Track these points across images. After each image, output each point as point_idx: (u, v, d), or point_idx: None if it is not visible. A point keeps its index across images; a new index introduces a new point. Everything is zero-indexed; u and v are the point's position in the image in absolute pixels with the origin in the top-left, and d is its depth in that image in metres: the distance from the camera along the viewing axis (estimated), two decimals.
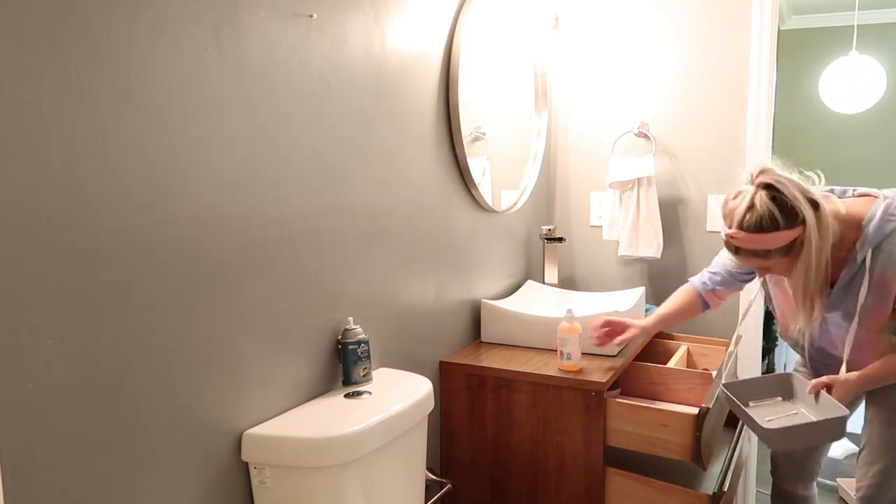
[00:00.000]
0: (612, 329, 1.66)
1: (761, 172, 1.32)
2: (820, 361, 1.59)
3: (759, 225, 1.30)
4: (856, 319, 1.39)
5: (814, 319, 1.42)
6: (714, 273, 1.70)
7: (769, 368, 3.93)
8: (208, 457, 1.07)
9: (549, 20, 2.34)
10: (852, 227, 1.35)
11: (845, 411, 1.34)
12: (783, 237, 1.30)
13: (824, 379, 1.43)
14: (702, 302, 1.72)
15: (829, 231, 1.31)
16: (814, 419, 1.41)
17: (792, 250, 1.32)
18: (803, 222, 1.29)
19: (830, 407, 1.38)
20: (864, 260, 1.34)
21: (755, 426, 1.39)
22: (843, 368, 1.43)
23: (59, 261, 0.83)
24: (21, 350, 0.80)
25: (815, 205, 1.30)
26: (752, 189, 1.32)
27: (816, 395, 1.43)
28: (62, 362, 0.84)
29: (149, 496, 0.97)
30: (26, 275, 0.80)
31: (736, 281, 1.67)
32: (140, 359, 0.94)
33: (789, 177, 1.32)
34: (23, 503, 0.81)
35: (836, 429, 1.36)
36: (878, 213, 1.33)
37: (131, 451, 0.94)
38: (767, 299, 1.66)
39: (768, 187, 1.30)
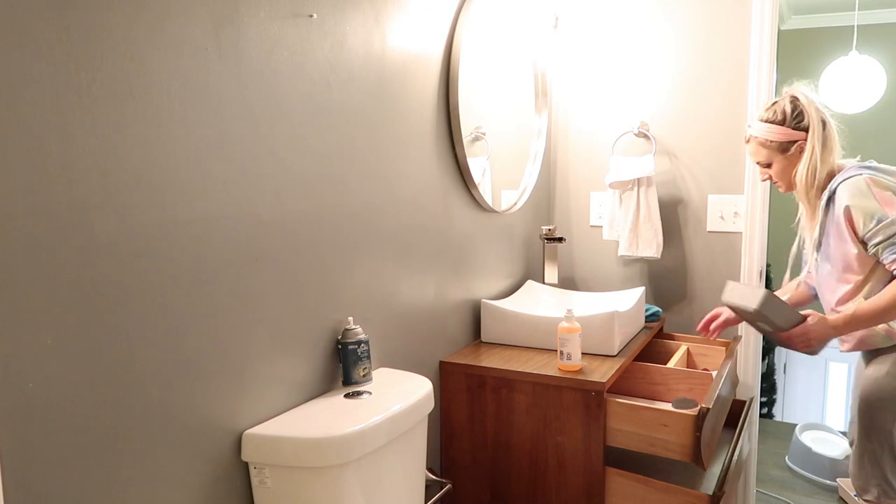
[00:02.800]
0: (714, 318, 1.87)
1: (794, 88, 1.60)
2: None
3: (770, 116, 1.61)
4: (828, 258, 1.58)
5: (811, 260, 1.65)
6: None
7: (769, 368, 3.93)
8: (208, 457, 1.07)
9: (549, 20, 2.34)
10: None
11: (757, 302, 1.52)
12: (785, 133, 1.58)
13: (809, 311, 1.57)
14: (806, 287, 1.85)
15: (831, 152, 1.56)
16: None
17: (789, 151, 1.59)
18: (806, 129, 1.56)
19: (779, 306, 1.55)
20: (821, 205, 1.56)
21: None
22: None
23: (59, 261, 0.83)
24: (21, 350, 0.80)
25: (823, 123, 1.55)
26: (782, 97, 1.62)
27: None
28: (62, 362, 0.84)
29: (148, 496, 0.97)
30: (26, 275, 0.80)
31: None
32: (140, 358, 0.94)
33: (815, 98, 1.58)
34: (23, 503, 0.81)
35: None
36: (845, 168, 1.55)
37: (131, 450, 0.94)
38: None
39: (793, 97, 1.59)
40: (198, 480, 1.05)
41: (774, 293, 1.57)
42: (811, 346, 1.56)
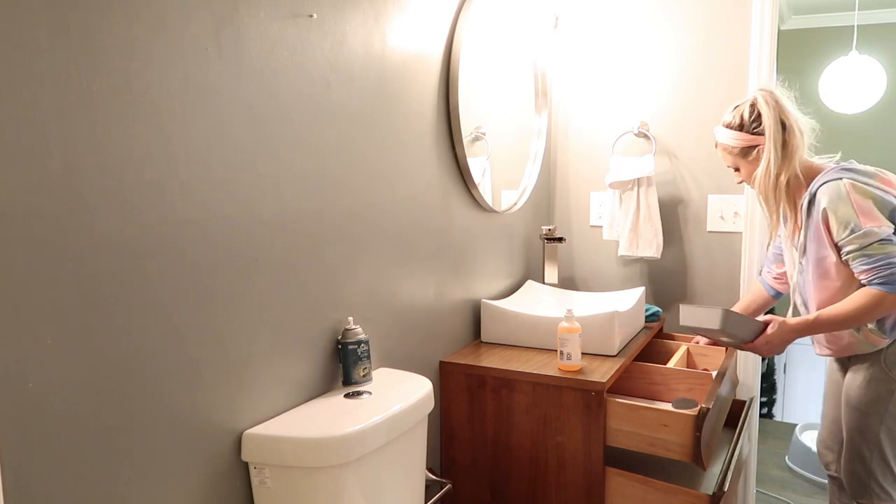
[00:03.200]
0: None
1: (761, 90, 1.59)
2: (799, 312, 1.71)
3: (729, 122, 1.62)
4: (809, 261, 1.57)
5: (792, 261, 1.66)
6: (768, 259, 1.89)
7: (769, 368, 3.93)
8: (208, 457, 1.07)
9: (549, 20, 2.34)
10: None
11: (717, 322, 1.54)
12: (744, 138, 1.59)
13: (769, 317, 1.61)
14: (765, 287, 1.87)
15: (792, 155, 1.54)
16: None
17: (750, 156, 1.60)
18: (763, 133, 1.55)
19: (742, 322, 1.59)
20: (803, 207, 1.55)
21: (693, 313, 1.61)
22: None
23: (59, 261, 0.83)
24: (21, 350, 0.80)
25: (783, 125, 1.54)
26: (745, 100, 1.62)
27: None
28: (62, 362, 0.84)
29: (148, 496, 0.97)
30: (26, 275, 0.80)
31: (782, 255, 1.79)
32: (140, 359, 0.94)
33: (781, 101, 1.56)
34: (23, 503, 0.81)
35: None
36: (825, 170, 1.53)
37: (131, 450, 0.94)
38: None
39: (753, 100, 1.59)
40: (198, 480, 1.05)
41: (730, 309, 1.58)
42: (774, 350, 1.60)
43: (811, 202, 1.52)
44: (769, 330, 1.57)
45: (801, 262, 1.62)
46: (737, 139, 1.60)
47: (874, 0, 3.61)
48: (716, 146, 1.69)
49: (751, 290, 1.94)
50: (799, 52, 4.00)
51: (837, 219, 1.46)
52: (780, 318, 1.57)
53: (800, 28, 4.02)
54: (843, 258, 1.48)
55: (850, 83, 3.14)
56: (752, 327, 1.58)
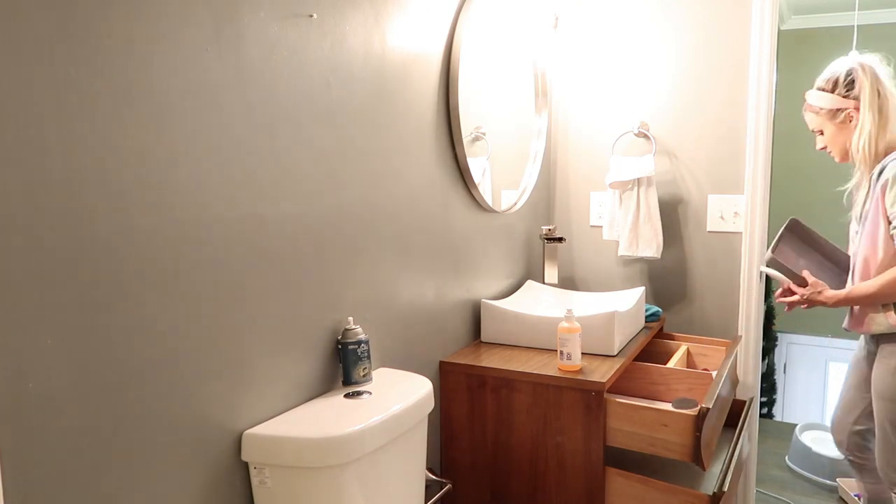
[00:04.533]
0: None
1: (859, 62, 1.63)
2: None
3: (822, 84, 1.67)
4: (865, 230, 1.60)
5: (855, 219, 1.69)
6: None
7: (769, 369, 3.93)
8: (208, 457, 1.07)
9: (549, 20, 2.34)
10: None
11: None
12: (833, 100, 1.63)
13: (811, 279, 1.67)
14: None
15: (887, 122, 1.58)
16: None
17: (837, 119, 1.63)
18: (857, 98, 1.60)
19: None
20: (874, 176, 1.58)
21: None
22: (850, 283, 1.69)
23: (59, 261, 0.83)
24: (21, 350, 0.80)
25: (879, 94, 1.59)
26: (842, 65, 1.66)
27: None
28: (62, 362, 0.84)
29: (148, 496, 0.97)
30: (26, 275, 0.80)
31: None
32: (140, 359, 0.94)
33: (877, 69, 1.60)
34: (23, 503, 0.81)
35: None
36: None
37: (131, 450, 0.94)
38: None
39: (850, 66, 1.63)
40: (198, 480, 1.05)
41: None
42: (807, 302, 1.67)
43: (880, 173, 1.56)
44: (809, 285, 1.64)
45: (858, 230, 1.67)
46: (826, 100, 1.64)
47: (874, 0, 3.61)
48: (805, 110, 1.73)
49: None
50: (799, 52, 4.00)
51: (894, 191, 1.50)
52: (822, 285, 1.65)
53: (800, 28, 4.02)
54: (891, 231, 1.52)
55: None
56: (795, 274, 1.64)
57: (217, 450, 1.09)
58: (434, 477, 1.53)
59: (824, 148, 1.71)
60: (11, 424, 0.79)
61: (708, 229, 2.24)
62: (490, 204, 1.93)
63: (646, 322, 2.11)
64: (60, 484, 0.85)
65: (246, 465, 1.14)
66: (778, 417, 4.06)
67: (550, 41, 2.33)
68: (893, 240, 1.51)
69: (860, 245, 1.63)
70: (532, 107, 2.25)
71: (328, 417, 1.18)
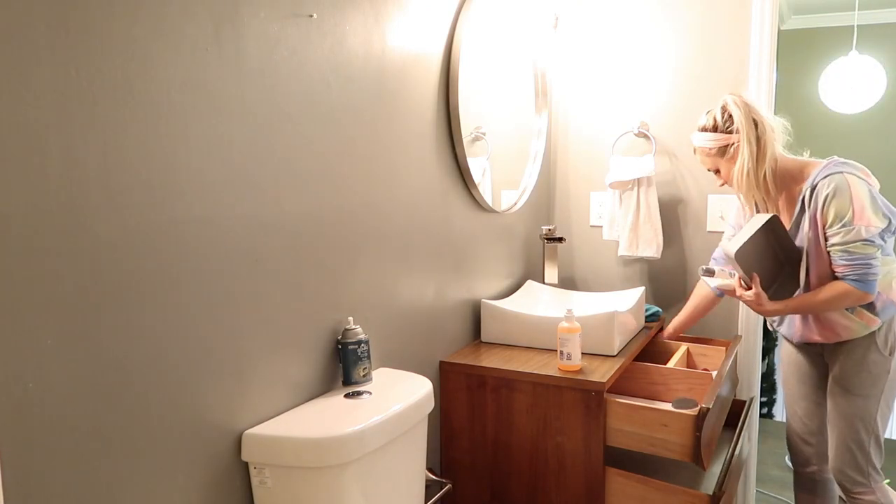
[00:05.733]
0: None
1: (730, 94, 1.67)
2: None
3: (703, 125, 1.70)
4: (804, 248, 1.61)
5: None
6: (714, 259, 1.94)
7: (769, 369, 3.93)
8: (208, 457, 1.07)
9: (549, 20, 2.34)
10: (807, 177, 1.61)
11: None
12: (719, 138, 1.65)
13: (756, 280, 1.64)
14: (712, 288, 1.90)
15: (765, 149, 1.62)
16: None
17: (728, 154, 1.65)
18: (736, 131, 1.62)
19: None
20: (803, 198, 1.60)
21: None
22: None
23: (59, 261, 0.83)
24: (21, 350, 0.80)
25: (755, 122, 1.62)
26: (715, 105, 1.69)
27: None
28: (62, 362, 0.84)
29: (148, 496, 0.97)
30: (26, 275, 0.80)
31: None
32: (140, 359, 0.94)
33: (750, 102, 1.65)
34: (23, 503, 0.81)
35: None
36: (823, 164, 1.60)
37: (131, 450, 0.94)
38: None
39: (723, 103, 1.67)
40: (198, 480, 1.05)
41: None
42: (751, 303, 1.64)
43: (812, 191, 1.58)
44: (755, 288, 1.61)
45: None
46: (712, 140, 1.67)
47: (874, 0, 3.61)
48: (694, 152, 1.76)
49: (696, 295, 1.97)
50: (799, 52, 4.01)
51: (834, 210, 1.52)
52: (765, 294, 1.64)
53: (800, 28, 4.02)
54: (827, 248, 1.56)
55: (850, 83, 3.14)
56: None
57: (217, 450, 1.09)
58: (434, 477, 1.53)
59: (724, 184, 1.73)
60: (11, 424, 0.79)
61: (708, 229, 2.24)
62: (490, 204, 1.93)
63: (646, 322, 2.11)
64: (60, 484, 0.85)
65: (246, 465, 1.14)
66: (778, 417, 4.05)
67: (550, 41, 2.33)
68: (830, 255, 1.55)
69: (812, 256, 1.63)
70: (532, 107, 2.25)
71: (328, 417, 1.18)
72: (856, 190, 1.51)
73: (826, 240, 1.56)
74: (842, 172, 1.54)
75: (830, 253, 1.55)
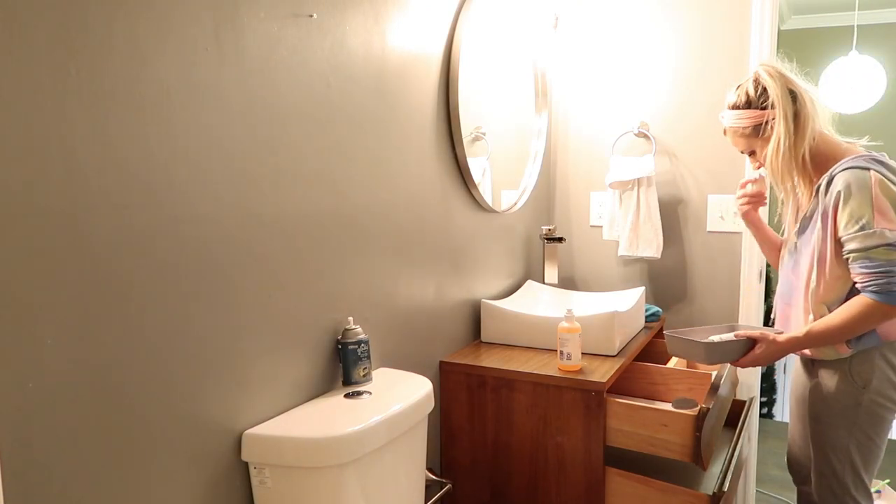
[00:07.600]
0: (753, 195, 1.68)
1: (762, 64, 1.50)
2: (781, 298, 1.61)
3: (734, 102, 1.51)
4: (811, 244, 1.45)
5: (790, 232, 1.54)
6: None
7: (769, 368, 3.93)
8: (208, 457, 1.07)
9: (549, 20, 2.34)
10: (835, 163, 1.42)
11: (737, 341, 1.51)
12: (754, 115, 1.47)
13: (755, 334, 1.51)
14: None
15: (806, 125, 1.43)
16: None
17: (765, 133, 1.47)
18: (772, 106, 1.44)
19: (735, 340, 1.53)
20: (818, 189, 1.44)
21: (691, 344, 1.54)
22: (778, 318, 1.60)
23: (59, 261, 0.83)
24: (21, 350, 0.80)
25: (792, 95, 1.44)
26: (746, 78, 1.51)
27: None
28: (62, 362, 0.84)
29: (148, 496, 0.97)
30: (26, 275, 0.80)
31: None
32: (140, 358, 0.94)
33: (785, 72, 1.47)
34: (23, 503, 0.81)
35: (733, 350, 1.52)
36: (852, 155, 1.42)
37: (131, 450, 0.94)
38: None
39: (756, 75, 1.49)
40: (198, 480, 1.05)
41: (713, 339, 1.53)
42: (762, 365, 1.56)
43: (829, 184, 1.40)
44: (757, 350, 1.49)
45: (796, 242, 1.52)
46: (745, 117, 1.48)
47: (874, 0, 3.61)
48: (724, 133, 1.56)
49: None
50: (799, 52, 4.00)
51: (850, 210, 1.34)
52: (771, 336, 1.49)
53: (800, 28, 4.02)
54: (843, 255, 1.37)
55: (850, 83, 3.14)
56: (738, 349, 1.52)
57: (217, 450, 1.09)
58: (434, 477, 1.54)
59: (760, 166, 1.53)
60: (11, 424, 0.79)
61: (708, 229, 2.24)
62: (490, 204, 1.93)
63: (646, 322, 2.11)
64: (60, 484, 0.85)
65: (246, 465, 1.14)
66: (778, 417, 4.06)
67: (550, 41, 2.33)
68: (848, 263, 1.37)
69: (802, 262, 1.49)
70: (532, 107, 2.25)
71: (328, 417, 1.18)
72: (878, 190, 1.32)
73: (841, 245, 1.38)
74: (868, 169, 1.34)
75: (848, 260, 1.36)
